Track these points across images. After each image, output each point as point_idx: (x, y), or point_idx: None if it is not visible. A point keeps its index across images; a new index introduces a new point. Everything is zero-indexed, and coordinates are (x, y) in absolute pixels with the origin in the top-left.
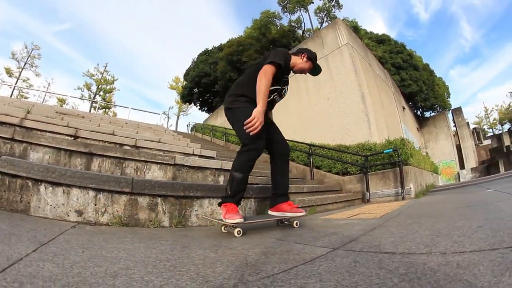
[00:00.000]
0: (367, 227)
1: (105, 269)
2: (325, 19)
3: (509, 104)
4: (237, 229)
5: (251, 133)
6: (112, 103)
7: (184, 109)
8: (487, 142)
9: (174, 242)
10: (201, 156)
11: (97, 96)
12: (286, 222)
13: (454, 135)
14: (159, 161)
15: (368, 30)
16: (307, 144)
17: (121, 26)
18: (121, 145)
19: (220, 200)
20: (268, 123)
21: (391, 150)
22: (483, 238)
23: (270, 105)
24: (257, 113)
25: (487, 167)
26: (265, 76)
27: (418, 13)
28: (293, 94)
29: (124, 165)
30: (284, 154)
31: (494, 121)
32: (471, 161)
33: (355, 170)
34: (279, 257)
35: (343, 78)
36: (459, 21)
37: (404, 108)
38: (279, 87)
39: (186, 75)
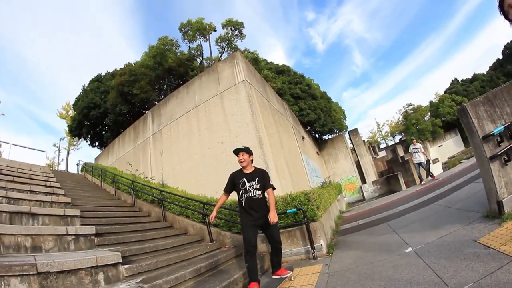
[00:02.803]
0: None
1: None
2: (226, 49)
3: (398, 119)
4: None
5: None
6: None
7: (75, 143)
8: (382, 153)
9: None
10: (77, 237)
11: None
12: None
13: (352, 153)
14: (18, 273)
15: (269, 61)
16: (200, 202)
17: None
18: None
19: None
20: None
21: (295, 209)
22: None
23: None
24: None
25: (388, 179)
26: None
27: (316, 44)
28: (185, 135)
29: None
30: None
31: (386, 134)
32: (371, 174)
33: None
34: None
35: (238, 119)
36: (352, 51)
37: (303, 138)
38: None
39: (75, 105)
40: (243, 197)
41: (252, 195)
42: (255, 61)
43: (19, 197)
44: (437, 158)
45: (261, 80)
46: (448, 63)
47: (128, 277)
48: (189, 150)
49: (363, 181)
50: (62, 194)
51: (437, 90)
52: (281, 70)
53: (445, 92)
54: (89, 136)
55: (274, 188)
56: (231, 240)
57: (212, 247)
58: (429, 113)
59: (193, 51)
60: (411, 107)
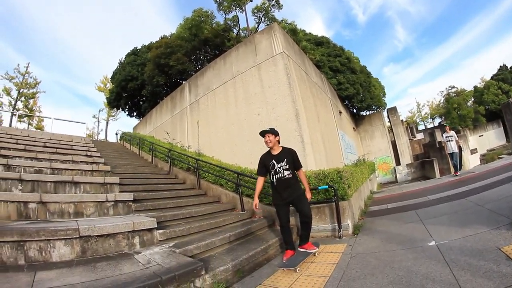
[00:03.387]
0: None
1: None
2: (262, 19)
3: (439, 101)
4: None
5: None
6: (37, 109)
7: (113, 114)
8: (419, 136)
9: None
10: (116, 203)
11: (19, 102)
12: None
13: (389, 132)
14: (62, 237)
15: (307, 31)
16: (234, 172)
17: (47, 10)
18: (25, 203)
19: None
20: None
21: (327, 187)
22: None
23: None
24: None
25: (422, 164)
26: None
27: (356, 15)
28: (222, 105)
29: (25, 247)
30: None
31: (426, 115)
32: (406, 156)
33: None
34: None
35: (275, 91)
36: (394, 25)
37: (340, 113)
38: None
39: (112, 78)
40: (274, 178)
41: (282, 175)
42: (293, 32)
43: (62, 167)
44: (476, 149)
45: (299, 52)
46: (498, 46)
47: (161, 242)
48: (226, 120)
49: (397, 162)
50: (102, 163)
51: (483, 74)
52: (320, 42)
53: (492, 78)
54: (127, 107)
55: (301, 167)
56: (262, 211)
57: (243, 216)
58: (473, 99)
59: (229, 22)
60: (453, 90)
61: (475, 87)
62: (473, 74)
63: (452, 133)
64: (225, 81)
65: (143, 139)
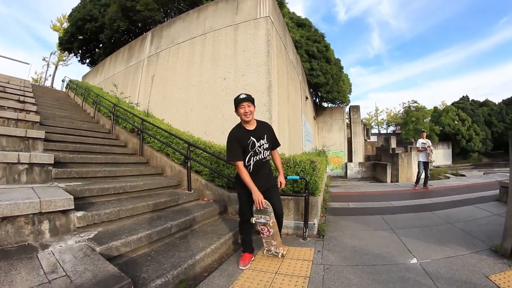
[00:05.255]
0: None
1: None
2: None
3: (398, 111)
4: None
5: None
6: None
7: (64, 59)
8: (373, 138)
9: None
10: (31, 167)
11: None
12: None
13: (347, 128)
14: None
15: (291, 10)
16: (185, 141)
17: None
18: None
19: None
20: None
21: (298, 178)
22: None
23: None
24: None
25: (374, 165)
26: None
27: (338, 12)
28: (184, 62)
29: None
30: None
31: (382, 121)
32: (359, 155)
33: None
34: None
35: (250, 57)
36: (372, 32)
37: (307, 98)
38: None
39: (70, 16)
40: (251, 161)
41: (262, 156)
42: (280, 4)
43: None
44: None
45: (283, 24)
46: (463, 78)
47: (80, 229)
48: (185, 80)
49: (349, 159)
50: (33, 111)
51: (444, 99)
52: (302, 24)
53: (453, 104)
54: (80, 51)
55: (279, 145)
56: (212, 193)
57: (189, 198)
58: (430, 117)
59: None
60: (415, 104)
61: (435, 108)
62: (434, 96)
63: (427, 141)
64: (194, 36)
65: (89, 90)
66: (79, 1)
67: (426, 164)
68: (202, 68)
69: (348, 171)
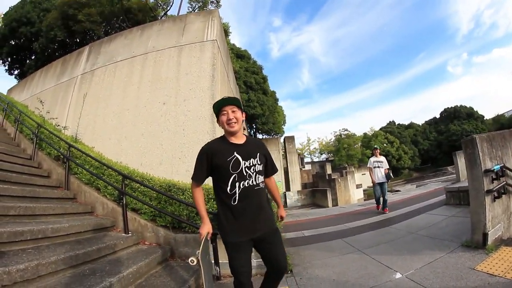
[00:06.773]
0: None
1: None
2: (196, 11)
3: (330, 140)
4: None
5: None
6: None
7: None
8: (308, 167)
9: None
10: None
11: None
12: None
13: (283, 159)
14: None
15: (232, 42)
16: (119, 173)
17: None
18: None
19: None
20: None
21: None
22: None
23: None
24: None
25: (313, 192)
26: None
27: (272, 49)
28: (120, 83)
29: None
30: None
31: (314, 150)
32: (297, 183)
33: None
34: None
35: (193, 81)
36: (302, 67)
37: (244, 129)
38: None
39: (6, 15)
40: (236, 188)
41: (254, 183)
42: (224, 33)
43: None
44: (361, 184)
45: (227, 51)
46: (389, 105)
47: None
48: (121, 103)
49: (287, 188)
50: None
51: (372, 125)
52: (242, 55)
53: (381, 129)
54: (9, 60)
55: (277, 170)
56: (154, 235)
57: (127, 243)
58: (360, 143)
59: (160, 1)
60: (345, 132)
61: (365, 134)
62: (362, 123)
63: (383, 158)
64: (135, 55)
65: (13, 105)
66: (19, 0)
67: (382, 185)
68: (140, 90)
69: (288, 200)
